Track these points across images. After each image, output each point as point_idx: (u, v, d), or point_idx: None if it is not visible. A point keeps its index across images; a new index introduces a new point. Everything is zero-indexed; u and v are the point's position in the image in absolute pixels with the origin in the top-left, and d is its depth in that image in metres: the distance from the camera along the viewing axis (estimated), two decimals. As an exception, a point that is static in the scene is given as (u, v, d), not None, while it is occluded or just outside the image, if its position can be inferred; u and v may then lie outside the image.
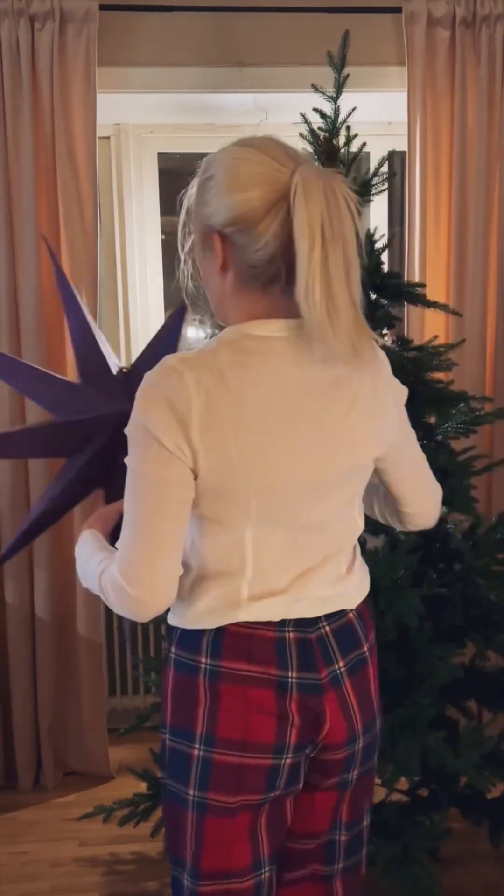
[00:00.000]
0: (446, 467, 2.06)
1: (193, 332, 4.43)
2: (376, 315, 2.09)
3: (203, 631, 1.22)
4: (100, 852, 2.48)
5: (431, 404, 2.14)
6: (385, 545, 1.99)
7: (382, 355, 1.27)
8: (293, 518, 1.20)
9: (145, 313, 3.23)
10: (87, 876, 2.38)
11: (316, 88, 2.14)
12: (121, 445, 1.47)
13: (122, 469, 1.39)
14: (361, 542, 2.13)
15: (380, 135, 3.07)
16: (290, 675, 1.21)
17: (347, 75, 2.10)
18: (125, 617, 1.16)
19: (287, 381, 1.15)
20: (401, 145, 2.85)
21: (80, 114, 2.63)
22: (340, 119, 2.12)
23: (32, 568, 2.78)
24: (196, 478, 1.13)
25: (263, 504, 1.17)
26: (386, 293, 2.14)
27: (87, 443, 1.54)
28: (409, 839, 1.98)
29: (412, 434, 1.36)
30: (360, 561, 1.34)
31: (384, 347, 2.10)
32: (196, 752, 1.20)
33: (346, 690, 1.27)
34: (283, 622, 1.21)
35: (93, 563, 1.23)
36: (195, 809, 1.21)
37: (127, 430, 1.15)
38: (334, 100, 2.12)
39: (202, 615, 1.22)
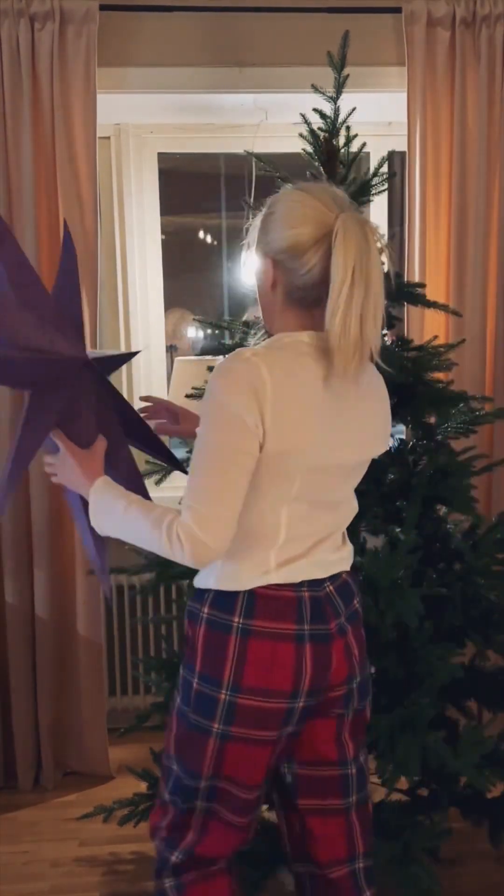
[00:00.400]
0: (446, 467, 2.06)
1: (193, 333, 4.44)
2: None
3: (235, 594, 1.43)
4: (100, 852, 2.48)
5: (431, 404, 2.14)
6: (385, 545, 1.99)
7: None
8: (320, 497, 1.45)
9: (145, 313, 3.23)
10: (87, 876, 2.38)
11: (316, 89, 2.14)
12: (83, 392, 1.61)
13: (83, 414, 1.59)
14: (361, 541, 2.15)
15: (380, 135, 3.07)
16: (305, 627, 1.44)
17: (347, 75, 2.10)
18: (183, 563, 1.34)
19: (328, 381, 1.40)
20: (401, 145, 2.85)
21: (80, 114, 2.63)
22: (340, 119, 2.12)
23: (32, 568, 2.78)
24: (260, 452, 1.35)
25: (304, 483, 1.41)
26: (386, 293, 2.14)
27: (56, 381, 1.57)
28: (409, 839, 1.98)
29: None
30: (346, 533, 1.59)
31: (385, 348, 2.11)
32: (223, 696, 1.43)
33: (349, 638, 1.52)
34: (301, 583, 1.45)
35: (145, 515, 1.40)
36: (218, 738, 1.45)
37: (203, 407, 1.37)
38: (334, 100, 2.12)
39: (237, 578, 1.43)
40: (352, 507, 1.56)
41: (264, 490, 1.39)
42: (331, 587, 1.50)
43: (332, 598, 1.49)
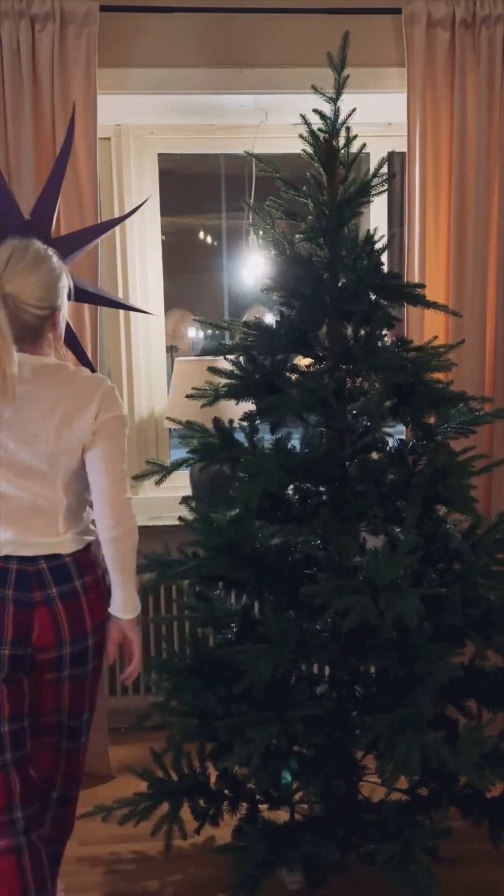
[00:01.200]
0: (446, 467, 2.06)
1: (193, 333, 4.44)
2: (376, 315, 2.10)
3: None
4: (100, 851, 2.48)
5: (431, 404, 2.14)
6: (385, 545, 1.99)
7: (99, 385, 1.87)
8: (3, 488, 1.82)
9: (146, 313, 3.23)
10: (88, 875, 2.38)
11: (316, 90, 2.14)
12: None
13: None
14: (361, 542, 2.15)
15: (379, 136, 3.08)
16: (8, 592, 1.83)
17: (347, 76, 2.10)
18: None
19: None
20: (400, 146, 2.85)
21: (80, 115, 2.63)
22: (340, 120, 2.13)
23: (33, 568, 2.78)
24: None
25: None
26: (386, 293, 2.14)
27: None
28: (409, 838, 1.98)
29: (113, 452, 1.89)
30: (82, 528, 1.93)
31: (385, 348, 2.11)
32: None
33: (58, 609, 1.85)
34: (8, 557, 1.84)
35: None
36: None
37: None
38: (334, 101, 2.12)
39: None
40: (53, 499, 1.85)
41: None
42: (44, 565, 1.85)
43: (42, 574, 1.85)
